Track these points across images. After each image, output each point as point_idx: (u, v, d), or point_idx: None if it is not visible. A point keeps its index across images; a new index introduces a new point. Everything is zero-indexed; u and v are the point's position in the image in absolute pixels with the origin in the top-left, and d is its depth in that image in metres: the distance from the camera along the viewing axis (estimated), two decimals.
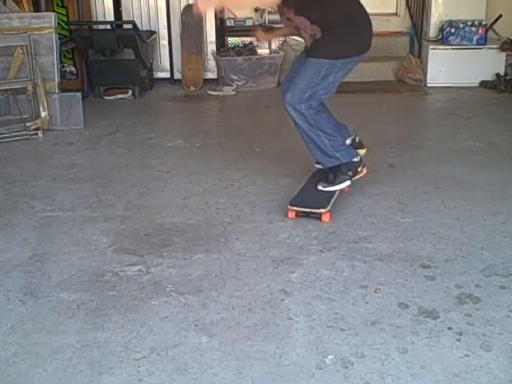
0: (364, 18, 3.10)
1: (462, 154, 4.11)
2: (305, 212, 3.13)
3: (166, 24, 6.15)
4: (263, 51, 6.31)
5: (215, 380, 2.00)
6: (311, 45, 3.06)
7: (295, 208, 3.14)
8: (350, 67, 3.14)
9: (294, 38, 6.20)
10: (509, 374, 2.00)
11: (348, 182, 3.26)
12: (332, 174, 3.25)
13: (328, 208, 3.11)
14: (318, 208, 3.11)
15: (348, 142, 3.37)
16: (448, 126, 4.82)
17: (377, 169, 3.77)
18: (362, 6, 3.11)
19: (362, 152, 3.42)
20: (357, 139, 3.48)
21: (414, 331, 2.22)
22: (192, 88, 6.09)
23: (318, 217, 3.09)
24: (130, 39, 5.54)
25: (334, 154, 3.21)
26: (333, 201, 3.17)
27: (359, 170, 3.31)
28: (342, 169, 3.24)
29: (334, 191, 3.24)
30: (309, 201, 3.17)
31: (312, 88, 3.06)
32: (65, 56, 5.77)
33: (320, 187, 3.25)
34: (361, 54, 3.13)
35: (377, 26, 6.59)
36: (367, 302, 2.41)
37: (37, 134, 4.61)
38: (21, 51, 4.57)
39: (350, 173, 3.26)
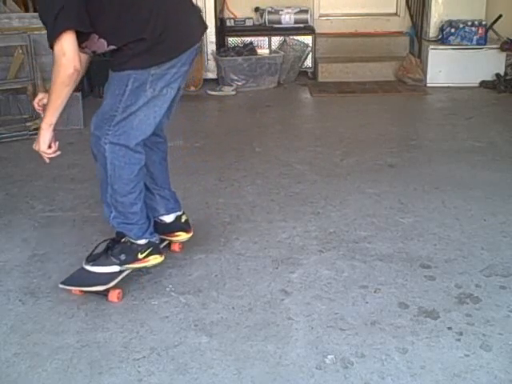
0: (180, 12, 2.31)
1: (462, 154, 4.11)
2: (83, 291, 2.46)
3: None
4: (263, 51, 6.32)
5: (215, 380, 2.00)
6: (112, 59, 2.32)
7: (67, 287, 2.46)
8: (176, 71, 2.30)
9: (294, 37, 6.25)
10: (509, 373, 2.00)
11: (116, 268, 2.45)
12: (106, 249, 2.50)
13: (112, 284, 2.42)
14: (96, 284, 2.42)
15: (171, 218, 2.71)
16: (448, 126, 4.82)
17: (377, 169, 3.78)
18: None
19: (183, 237, 2.74)
20: (182, 219, 2.75)
21: (414, 331, 2.22)
22: (192, 88, 6.09)
23: (105, 294, 2.43)
24: None
25: (122, 220, 2.45)
26: (120, 277, 2.46)
27: (140, 256, 2.47)
28: (124, 247, 2.46)
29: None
30: (82, 278, 2.48)
31: (121, 110, 2.27)
32: None
33: (85, 266, 2.49)
34: (186, 50, 2.30)
35: (377, 25, 6.75)
36: (367, 302, 2.40)
37: (37, 134, 4.60)
38: (21, 51, 4.57)
39: (123, 257, 2.46)
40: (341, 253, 2.79)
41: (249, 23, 6.54)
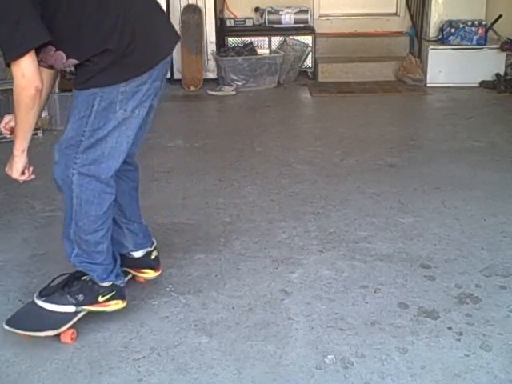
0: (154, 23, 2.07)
1: (462, 154, 4.11)
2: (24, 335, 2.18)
3: None
4: (263, 51, 6.32)
5: (215, 380, 2.00)
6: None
7: (12, 329, 2.16)
8: (148, 87, 2.04)
9: (294, 37, 6.25)
10: (509, 373, 2.00)
11: (72, 308, 2.18)
12: (63, 285, 2.22)
13: (61, 329, 2.16)
14: (42, 330, 2.15)
15: (140, 253, 2.45)
16: (448, 125, 4.82)
17: (377, 169, 3.78)
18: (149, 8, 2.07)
19: (150, 275, 2.50)
20: (153, 255, 2.49)
21: (414, 331, 2.22)
22: (192, 88, 6.09)
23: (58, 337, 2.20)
24: None
25: (84, 257, 2.17)
26: (72, 322, 2.18)
27: (101, 299, 2.21)
28: (84, 286, 2.21)
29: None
30: (29, 321, 2.20)
31: (88, 135, 2.02)
32: None
33: (36, 300, 2.21)
34: (158, 63, 2.05)
35: (377, 26, 6.75)
36: (367, 302, 2.40)
37: (37, 134, 4.60)
38: None
39: (81, 297, 2.19)
40: (341, 253, 2.79)
41: (249, 23, 6.53)
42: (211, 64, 6.27)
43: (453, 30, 5.97)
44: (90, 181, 2.05)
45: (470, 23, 5.94)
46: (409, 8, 6.65)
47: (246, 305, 2.40)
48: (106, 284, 2.21)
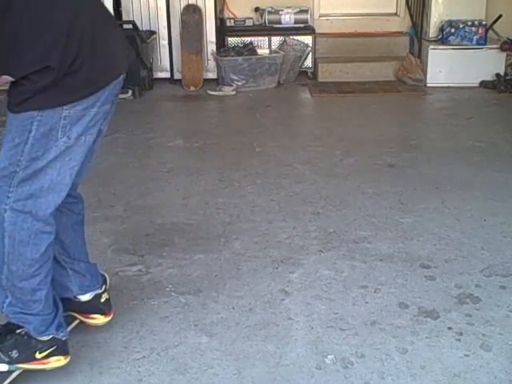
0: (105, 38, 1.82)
1: (462, 153, 4.11)
2: None
3: (165, 24, 6.14)
4: (263, 51, 6.32)
5: (215, 380, 2.00)
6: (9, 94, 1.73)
7: None
8: (96, 112, 1.78)
9: (294, 37, 6.25)
10: (509, 373, 2.00)
11: (3, 367, 1.88)
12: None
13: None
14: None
15: (87, 297, 2.16)
16: (448, 125, 4.82)
17: (377, 169, 3.78)
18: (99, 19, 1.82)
19: (99, 321, 2.20)
20: (103, 298, 2.19)
21: (414, 331, 2.22)
22: (192, 88, 6.09)
23: None
24: (130, 39, 5.53)
25: (14, 304, 1.86)
26: (8, 381, 1.92)
27: (38, 356, 1.91)
28: (6, 341, 1.90)
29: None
30: None
31: (24, 165, 1.72)
32: None
33: None
34: (108, 84, 1.82)
35: (377, 26, 6.75)
36: (367, 302, 2.40)
37: None
38: None
39: (15, 354, 1.88)
40: (341, 253, 2.79)
41: (249, 23, 6.53)
42: (211, 64, 6.27)
43: (453, 30, 5.97)
44: (26, 218, 1.75)
45: (469, 23, 5.93)
46: (409, 8, 6.65)
47: (246, 305, 2.40)
48: (44, 338, 1.89)
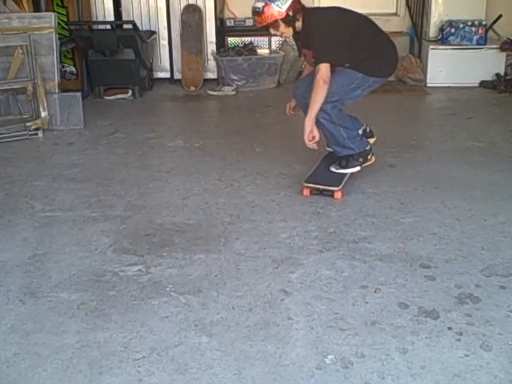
0: (390, 45, 3.42)
1: (462, 154, 4.11)
2: (319, 190, 3.39)
3: (165, 24, 6.15)
4: (263, 51, 6.32)
5: (215, 380, 2.00)
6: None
7: (310, 185, 3.41)
8: (377, 85, 3.40)
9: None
10: (509, 373, 2.00)
11: (358, 168, 3.52)
12: (345, 159, 3.50)
13: (340, 187, 3.38)
14: (331, 186, 3.38)
15: (360, 131, 3.55)
16: (448, 125, 4.82)
17: (377, 169, 3.77)
18: (385, 37, 3.44)
19: (371, 141, 3.65)
20: (367, 129, 3.68)
21: (414, 331, 2.22)
22: (192, 88, 6.09)
23: (331, 194, 3.37)
24: (130, 39, 5.54)
25: (349, 146, 3.45)
26: (344, 181, 3.43)
27: (369, 157, 3.55)
28: (355, 156, 3.49)
29: (346, 174, 3.49)
30: (323, 179, 3.45)
31: (341, 95, 3.27)
32: (65, 56, 5.77)
33: (333, 169, 3.51)
34: (389, 75, 3.49)
35: None
36: (367, 302, 2.41)
37: (37, 133, 4.61)
38: (21, 51, 4.57)
39: (361, 159, 3.51)
40: (341, 253, 2.79)
41: (249, 23, 6.53)
42: (211, 64, 6.27)
43: (453, 30, 5.97)
44: (334, 108, 3.30)
45: (470, 23, 5.94)
46: (409, 8, 6.65)
47: (246, 305, 2.40)
48: (367, 148, 3.53)
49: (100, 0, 6.04)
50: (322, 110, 3.24)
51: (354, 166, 3.51)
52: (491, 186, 3.53)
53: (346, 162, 3.50)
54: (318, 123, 3.31)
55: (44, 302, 2.44)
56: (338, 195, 3.36)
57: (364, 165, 3.53)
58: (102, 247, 2.88)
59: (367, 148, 3.53)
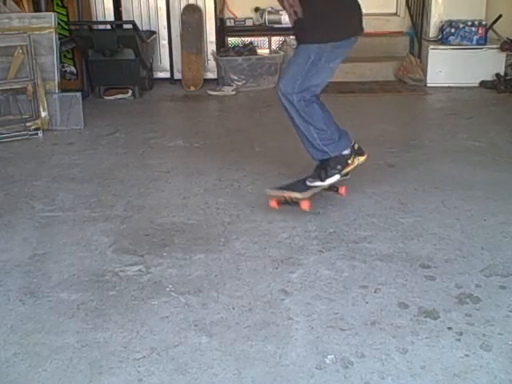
0: (350, 2, 3.03)
1: (462, 154, 4.11)
2: (284, 197, 3.11)
3: (165, 24, 6.15)
4: (263, 51, 6.32)
5: (215, 380, 2.00)
6: (296, 31, 3.01)
7: (273, 192, 3.16)
8: (341, 51, 3.01)
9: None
10: (509, 373, 2.00)
11: (337, 177, 3.19)
12: (324, 172, 3.17)
13: (306, 196, 3.10)
14: (294, 191, 3.09)
15: (347, 151, 3.21)
16: (448, 125, 4.82)
17: (377, 169, 3.78)
18: None
19: (361, 159, 3.28)
20: (356, 146, 3.28)
21: (414, 331, 2.22)
22: (192, 88, 6.09)
23: (297, 203, 3.10)
24: (130, 39, 5.54)
25: (321, 148, 3.13)
26: (312, 192, 3.14)
27: (349, 162, 3.19)
28: (331, 163, 3.15)
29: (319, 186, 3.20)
30: (289, 186, 3.17)
31: (303, 75, 2.94)
32: (65, 56, 5.77)
33: (308, 183, 3.18)
34: (351, 37, 3.06)
35: (377, 26, 6.75)
36: (367, 302, 2.40)
37: (37, 133, 4.61)
38: (21, 51, 4.57)
39: (339, 167, 3.16)
40: (341, 253, 2.79)
41: (249, 23, 6.54)
42: (211, 64, 6.27)
43: (453, 30, 5.97)
44: (300, 100, 3.01)
45: (470, 23, 5.94)
46: (409, 8, 6.66)
47: (246, 305, 2.40)
48: (346, 152, 3.17)
49: (100, 0, 6.04)
50: (288, 100, 3.00)
51: (331, 176, 3.17)
52: (491, 186, 3.53)
53: (324, 173, 3.17)
54: (289, 119, 3.11)
55: (44, 302, 2.44)
56: (304, 205, 3.10)
57: (344, 171, 3.20)
58: (102, 247, 2.88)
59: (345, 152, 3.17)
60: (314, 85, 3.02)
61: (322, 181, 3.17)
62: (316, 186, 3.18)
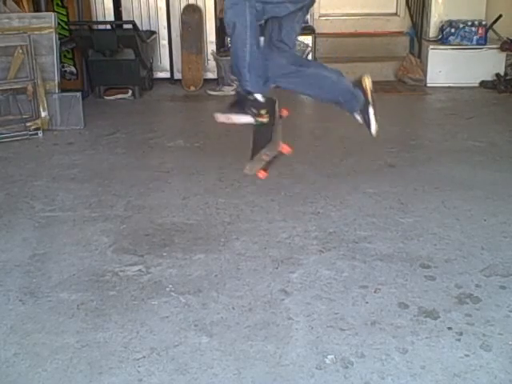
0: None
1: (462, 154, 4.11)
2: (263, 160, 2.97)
3: (165, 24, 6.14)
4: None
5: (215, 380, 2.00)
6: None
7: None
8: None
9: None
10: (509, 373, 2.00)
11: (248, 119, 2.91)
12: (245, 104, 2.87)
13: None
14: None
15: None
16: (448, 125, 4.82)
17: (377, 169, 3.78)
18: None
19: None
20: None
21: (414, 331, 2.22)
22: (192, 88, 6.09)
23: (279, 154, 3.02)
24: (130, 39, 5.54)
25: (240, 73, 2.78)
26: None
27: (262, 112, 2.83)
28: (247, 102, 2.85)
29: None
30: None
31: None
32: (65, 56, 5.77)
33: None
34: None
35: (377, 26, 6.75)
36: (367, 302, 2.40)
37: (37, 134, 4.61)
38: (21, 51, 4.57)
39: (254, 110, 2.84)
40: (341, 253, 2.79)
41: None
42: (211, 64, 6.27)
43: (453, 30, 5.97)
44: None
45: (470, 23, 5.94)
46: (409, 8, 6.66)
47: (246, 305, 2.40)
48: (261, 99, 2.79)
49: (100, 0, 6.04)
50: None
51: (243, 114, 2.91)
52: (491, 186, 3.53)
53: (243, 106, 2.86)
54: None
55: (44, 302, 2.44)
56: (285, 149, 2.94)
57: (256, 121, 2.87)
58: (101, 247, 2.88)
59: (260, 100, 2.78)
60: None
61: (237, 114, 2.98)
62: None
